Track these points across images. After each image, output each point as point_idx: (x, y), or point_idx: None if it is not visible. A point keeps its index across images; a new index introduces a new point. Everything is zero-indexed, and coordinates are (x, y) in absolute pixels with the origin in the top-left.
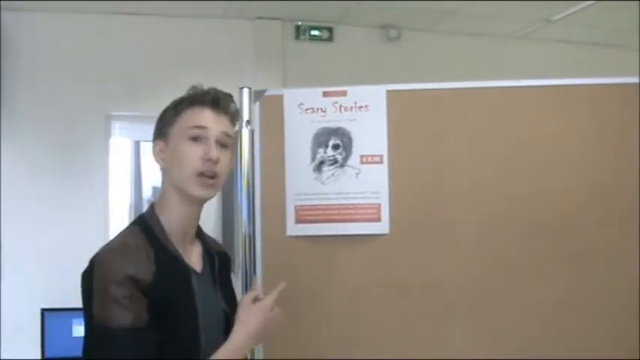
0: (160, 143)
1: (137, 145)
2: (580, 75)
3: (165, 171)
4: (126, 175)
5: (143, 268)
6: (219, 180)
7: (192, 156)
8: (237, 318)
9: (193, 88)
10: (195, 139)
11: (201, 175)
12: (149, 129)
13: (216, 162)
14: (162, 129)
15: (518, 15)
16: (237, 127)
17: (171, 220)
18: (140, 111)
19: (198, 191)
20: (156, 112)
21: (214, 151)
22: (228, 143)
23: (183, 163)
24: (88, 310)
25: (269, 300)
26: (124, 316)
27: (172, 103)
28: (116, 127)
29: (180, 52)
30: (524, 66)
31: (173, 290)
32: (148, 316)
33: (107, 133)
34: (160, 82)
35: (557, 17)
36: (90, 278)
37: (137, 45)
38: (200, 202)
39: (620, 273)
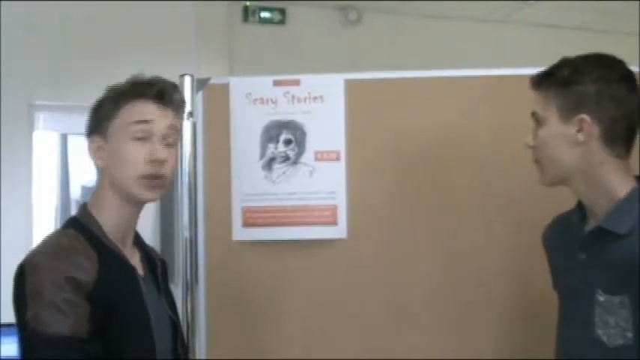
0: (97, 140)
1: (64, 139)
2: None
3: (102, 170)
4: (52, 173)
5: (84, 268)
6: (166, 181)
7: (136, 157)
8: None
9: (134, 77)
10: (141, 136)
11: (146, 177)
12: (78, 121)
13: (162, 163)
14: (100, 124)
15: None
16: (182, 119)
17: (110, 221)
18: (68, 100)
19: (143, 194)
20: (86, 102)
21: (160, 151)
22: (175, 140)
23: (125, 165)
24: (21, 320)
25: None
26: (61, 322)
27: (111, 94)
28: (40, 118)
29: (114, 35)
30: (500, 52)
31: (121, 290)
32: (91, 325)
33: (30, 126)
34: (90, 68)
35: None
36: (22, 284)
37: (66, 27)
38: (143, 204)
39: None
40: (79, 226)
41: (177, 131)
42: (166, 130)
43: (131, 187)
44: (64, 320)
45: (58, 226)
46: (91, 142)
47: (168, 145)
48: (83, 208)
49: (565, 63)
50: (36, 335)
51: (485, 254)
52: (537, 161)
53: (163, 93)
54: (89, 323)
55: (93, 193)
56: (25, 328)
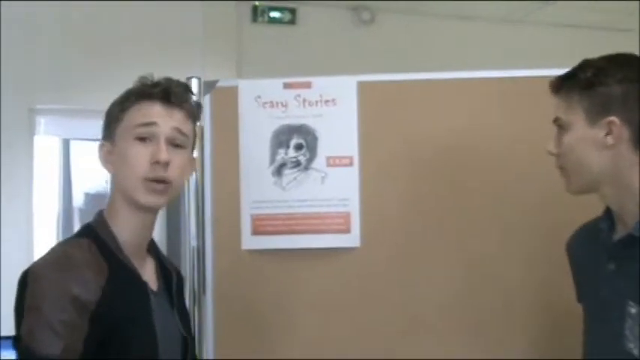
0: (107, 144)
1: (66, 144)
2: None
3: (113, 176)
4: (53, 180)
5: (89, 285)
6: (172, 185)
7: (138, 158)
8: None
9: (142, 79)
10: (142, 138)
11: (149, 180)
12: (81, 125)
13: (166, 165)
14: (108, 128)
15: None
16: (197, 123)
17: (124, 230)
18: (70, 104)
19: (145, 198)
20: (89, 106)
21: (164, 153)
22: (184, 142)
23: (128, 167)
24: (17, 329)
25: None
26: (53, 344)
27: (119, 98)
28: (41, 122)
29: (118, 36)
30: (518, 53)
31: (127, 306)
32: (89, 345)
33: (31, 130)
34: (93, 70)
35: None
36: (23, 292)
37: (67, 28)
38: (152, 211)
39: None
40: (94, 235)
41: (186, 134)
42: (172, 131)
43: (134, 191)
44: (57, 342)
45: (60, 236)
46: (100, 148)
47: (177, 147)
48: (99, 215)
49: (587, 64)
50: (27, 351)
51: (503, 261)
52: (563, 168)
53: (169, 93)
54: (85, 344)
55: (108, 200)
56: (19, 339)
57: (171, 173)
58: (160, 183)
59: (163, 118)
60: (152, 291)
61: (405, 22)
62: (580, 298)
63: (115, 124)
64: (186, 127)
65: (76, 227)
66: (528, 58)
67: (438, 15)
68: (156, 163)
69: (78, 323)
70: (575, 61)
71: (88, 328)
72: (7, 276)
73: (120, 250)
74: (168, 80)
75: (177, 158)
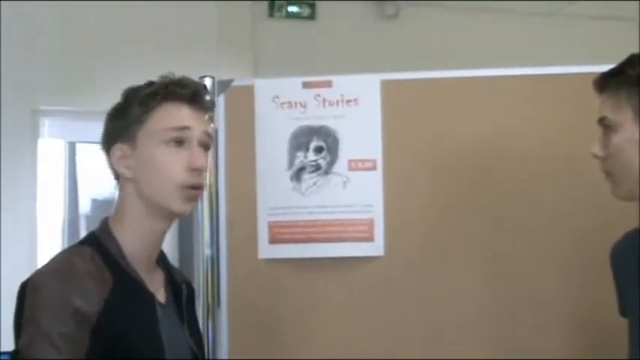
0: (123, 147)
1: (72, 147)
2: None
3: (126, 181)
4: (58, 186)
5: (91, 297)
6: (202, 191)
7: (174, 165)
8: None
9: (164, 77)
10: (177, 142)
11: (187, 187)
12: (87, 127)
13: (201, 171)
14: (127, 129)
15: None
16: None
17: (133, 240)
18: (76, 106)
19: (181, 206)
20: (96, 107)
21: (201, 159)
22: (209, 145)
23: (161, 174)
24: (16, 342)
25: None
26: (52, 358)
27: (136, 96)
28: (45, 125)
29: (125, 33)
30: (551, 47)
31: (133, 319)
32: (91, 359)
33: (34, 133)
34: (101, 70)
35: None
36: (22, 304)
37: (72, 26)
38: (177, 219)
39: None
40: (98, 244)
41: (212, 136)
42: (202, 136)
43: (167, 199)
44: (56, 356)
45: (65, 244)
46: (113, 151)
47: (205, 150)
48: (104, 223)
49: (635, 59)
50: None
51: (537, 273)
52: (609, 172)
53: (198, 95)
54: (87, 358)
55: (115, 207)
56: (17, 353)
57: (204, 179)
58: (195, 189)
59: (195, 122)
60: (159, 303)
61: (432, 16)
62: (624, 311)
63: (136, 125)
64: (210, 129)
65: (83, 235)
66: (561, 52)
67: (466, 8)
68: (193, 169)
69: (78, 337)
70: (609, 56)
71: (89, 342)
72: (8, 287)
73: (124, 259)
74: (193, 81)
75: (206, 163)
